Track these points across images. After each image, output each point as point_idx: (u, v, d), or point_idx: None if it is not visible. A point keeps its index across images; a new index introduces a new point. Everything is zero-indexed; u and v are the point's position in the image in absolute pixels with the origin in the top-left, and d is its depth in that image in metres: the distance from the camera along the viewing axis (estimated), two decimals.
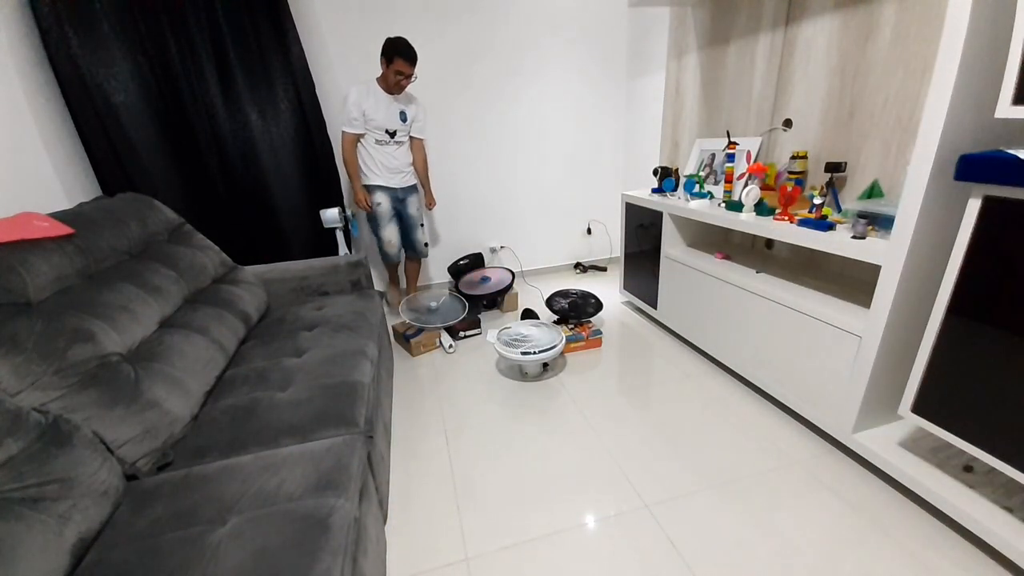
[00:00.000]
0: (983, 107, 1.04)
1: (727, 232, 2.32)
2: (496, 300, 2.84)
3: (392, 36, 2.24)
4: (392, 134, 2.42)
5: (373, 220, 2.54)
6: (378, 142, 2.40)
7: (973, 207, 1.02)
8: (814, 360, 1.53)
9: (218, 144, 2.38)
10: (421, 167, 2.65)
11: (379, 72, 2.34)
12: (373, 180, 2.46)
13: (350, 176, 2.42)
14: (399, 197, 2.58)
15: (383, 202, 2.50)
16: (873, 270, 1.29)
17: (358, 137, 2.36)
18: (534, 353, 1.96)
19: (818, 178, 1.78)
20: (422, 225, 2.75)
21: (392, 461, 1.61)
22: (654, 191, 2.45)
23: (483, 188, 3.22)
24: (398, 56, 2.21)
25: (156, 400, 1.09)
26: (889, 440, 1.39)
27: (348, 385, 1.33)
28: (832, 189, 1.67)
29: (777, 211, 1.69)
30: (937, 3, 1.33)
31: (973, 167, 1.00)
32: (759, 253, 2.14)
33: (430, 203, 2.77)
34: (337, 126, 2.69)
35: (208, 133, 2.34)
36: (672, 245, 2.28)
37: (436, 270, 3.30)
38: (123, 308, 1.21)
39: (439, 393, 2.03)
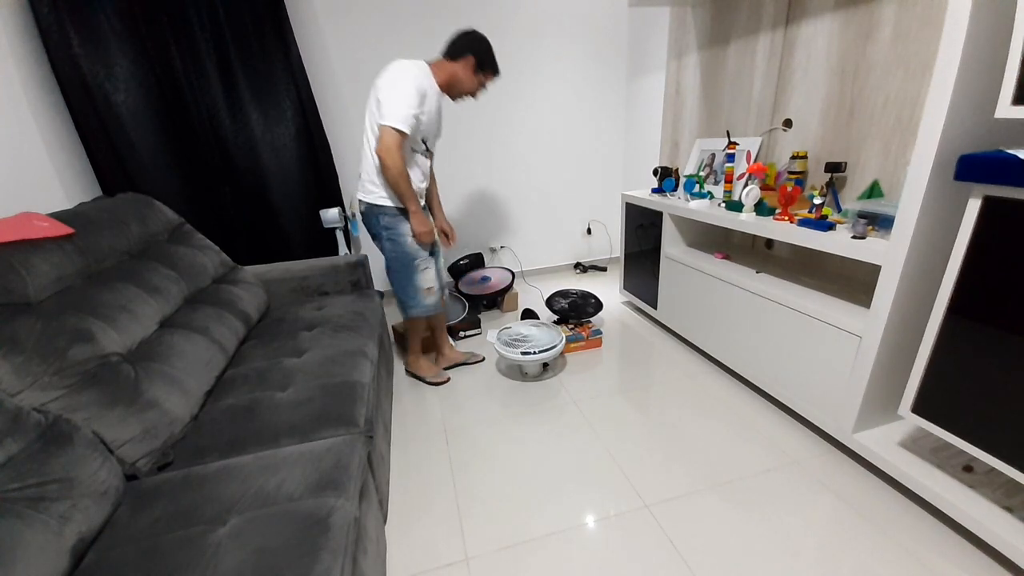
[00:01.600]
0: (983, 107, 1.04)
1: (727, 232, 2.32)
2: (496, 300, 2.84)
3: (481, 34, 1.73)
4: (427, 143, 1.79)
5: (407, 258, 1.77)
6: (413, 150, 1.72)
7: (973, 207, 1.02)
8: (814, 360, 1.53)
9: (218, 144, 2.39)
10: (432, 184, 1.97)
11: (417, 65, 1.66)
12: (398, 204, 1.73)
13: (403, 196, 1.66)
14: None
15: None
16: (873, 270, 1.29)
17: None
18: (534, 353, 1.96)
19: (818, 178, 1.78)
20: None
21: (392, 461, 1.61)
22: (654, 191, 2.45)
23: (483, 188, 3.22)
24: (492, 70, 1.76)
25: (156, 400, 1.09)
26: (889, 440, 1.39)
27: (348, 385, 1.33)
28: (832, 189, 1.67)
29: (777, 211, 1.69)
30: (937, 3, 1.33)
31: (973, 167, 1.00)
32: (759, 253, 2.14)
33: (451, 238, 2.03)
34: (336, 125, 2.72)
35: (208, 133, 2.34)
36: (672, 245, 2.28)
37: None
38: (123, 308, 1.21)
39: (439, 393, 2.03)
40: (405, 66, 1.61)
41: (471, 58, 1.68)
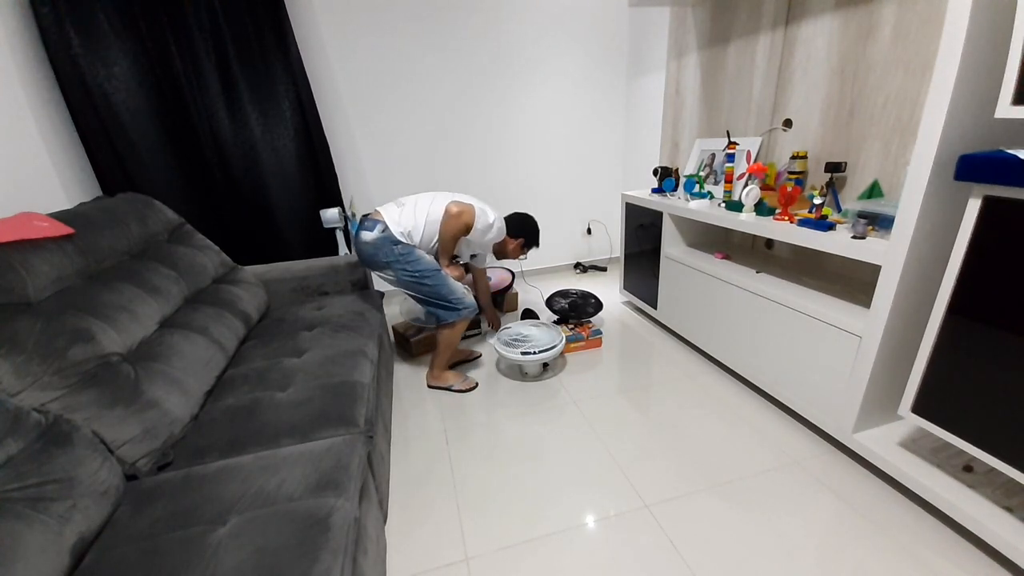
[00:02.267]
0: (983, 107, 1.04)
1: (727, 232, 2.32)
2: (496, 300, 2.83)
3: (533, 221, 2.18)
4: (458, 257, 2.15)
5: (433, 268, 1.87)
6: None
7: (973, 207, 1.02)
8: (814, 360, 1.53)
9: (218, 144, 2.39)
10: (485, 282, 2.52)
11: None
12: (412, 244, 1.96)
13: (443, 249, 1.92)
14: None
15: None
16: (873, 270, 1.29)
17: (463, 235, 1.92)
18: (534, 353, 1.96)
19: (818, 178, 1.78)
20: None
21: (392, 461, 1.60)
22: (654, 191, 2.45)
23: (483, 189, 3.22)
24: (535, 245, 2.23)
25: (156, 400, 1.09)
26: (889, 440, 1.39)
27: (348, 385, 1.33)
28: (832, 189, 1.67)
29: (777, 211, 1.69)
30: (937, 3, 1.33)
31: (973, 167, 1.00)
32: (759, 253, 2.14)
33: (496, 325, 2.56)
34: (336, 125, 2.71)
35: (208, 133, 2.34)
36: (672, 245, 2.28)
37: None
38: (123, 308, 1.21)
39: (439, 393, 2.02)
40: (498, 228, 1.97)
41: (521, 240, 2.16)
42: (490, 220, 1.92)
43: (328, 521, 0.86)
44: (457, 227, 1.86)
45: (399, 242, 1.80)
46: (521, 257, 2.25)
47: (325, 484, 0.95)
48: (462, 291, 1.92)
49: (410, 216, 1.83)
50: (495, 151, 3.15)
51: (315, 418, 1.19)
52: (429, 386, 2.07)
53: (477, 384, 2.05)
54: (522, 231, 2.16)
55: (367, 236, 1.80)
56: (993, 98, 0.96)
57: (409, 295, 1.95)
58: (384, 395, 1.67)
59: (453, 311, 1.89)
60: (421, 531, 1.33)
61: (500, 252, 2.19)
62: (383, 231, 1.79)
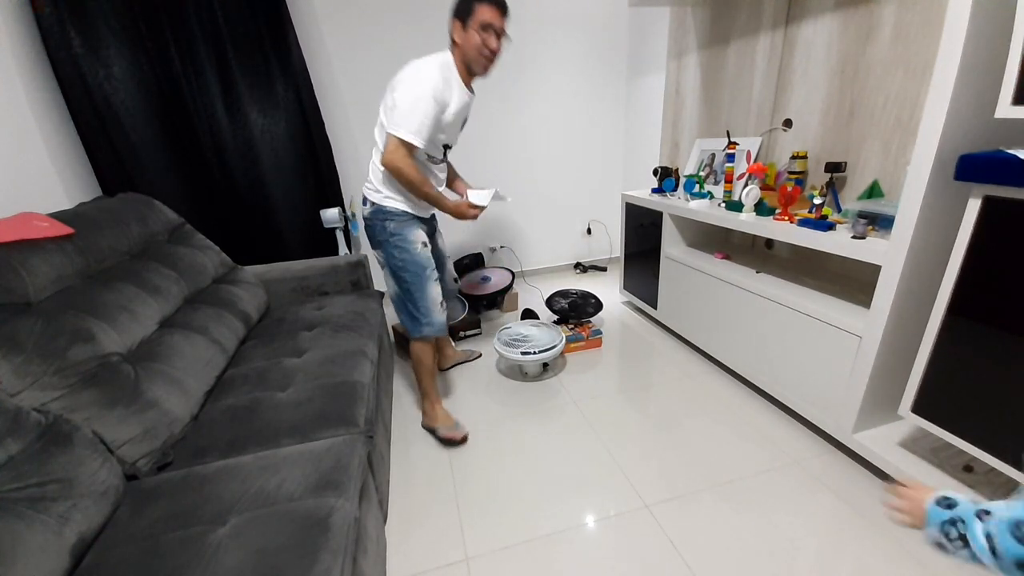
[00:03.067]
0: (983, 107, 1.04)
1: (727, 232, 2.32)
2: (496, 300, 2.84)
3: None
4: (448, 148, 1.66)
5: (417, 266, 1.60)
6: (430, 158, 1.59)
7: (973, 207, 1.02)
8: (814, 360, 1.53)
9: (218, 144, 2.38)
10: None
11: (432, 52, 1.51)
12: (409, 208, 1.60)
13: (431, 200, 1.58)
14: (430, 230, 1.78)
15: (427, 241, 1.66)
16: (873, 270, 1.29)
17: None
18: (534, 353, 1.96)
19: (818, 178, 1.78)
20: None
21: (392, 461, 1.60)
22: (654, 191, 2.45)
23: (483, 188, 3.22)
24: (481, 2, 1.42)
25: (156, 400, 1.09)
26: (889, 440, 1.39)
27: (348, 385, 1.33)
28: (832, 189, 1.67)
29: (777, 211, 1.69)
30: (937, 3, 1.33)
31: (973, 167, 1.00)
32: (759, 253, 2.14)
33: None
34: (337, 125, 2.71)
35: (208, 133, 2.34)
36: (672, 245, 2.28)
37: None
38: (123, 308, 1.21)
39: (439, 393, 2.02)
40: (424, 68, 1.44)
41: (456, 21, 1.47)
42: (430, 115, 1.43)
43: (328, 521, 0.86)
44: (407, 170, 1.44)
45: (389, 217, 1.56)
46: (490, 43, 1.48)
47: (325, 484, 0.95)
48: (432, 304, 1.64)
49: (373, 169, 1.58)
50: (495, 151, 3.15)
51: (315, 418, 1.19)
52: (424, 427, 1.79)
53: (467, 437, 1.70)
54: (451, 18, 1.49)
55: (364, 212, 1.64)
56: (993, 98, 0.96)
57: (389, 285, 1.71)
58: (384, 395, 1.67)
59: (415, 324, 1.65)
60: (421, 531, 1.33)
61: (476, 65, 1.56)
62: (371, 205, 1.59)
